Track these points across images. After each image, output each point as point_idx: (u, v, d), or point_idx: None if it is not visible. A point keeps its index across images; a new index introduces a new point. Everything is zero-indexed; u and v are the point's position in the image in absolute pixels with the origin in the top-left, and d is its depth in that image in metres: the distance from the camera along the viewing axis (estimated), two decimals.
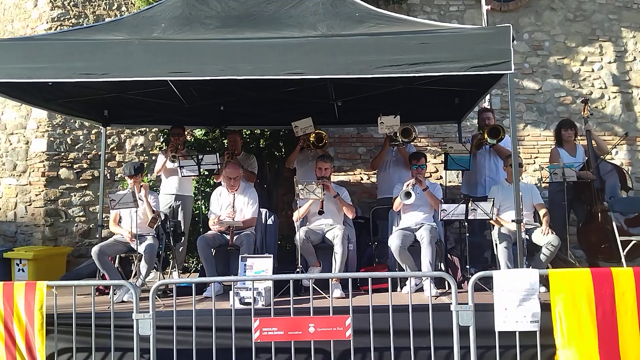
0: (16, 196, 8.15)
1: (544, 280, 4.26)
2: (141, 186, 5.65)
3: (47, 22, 8.14)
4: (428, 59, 4.34)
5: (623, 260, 5.70)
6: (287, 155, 7.25)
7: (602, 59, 8.20)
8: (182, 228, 6.51)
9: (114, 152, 8.24)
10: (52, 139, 8.03)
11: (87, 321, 4.17)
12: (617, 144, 7.76)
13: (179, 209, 6.61)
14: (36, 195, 8.01)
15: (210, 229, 5.79)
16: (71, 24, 8.09)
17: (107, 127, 6.97)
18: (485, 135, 6.23)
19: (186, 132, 8.17)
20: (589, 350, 3.84)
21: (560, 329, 3.91)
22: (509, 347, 4.03)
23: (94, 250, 5.32)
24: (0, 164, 8.31)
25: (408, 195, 5.48)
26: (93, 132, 8.13)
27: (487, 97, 7.63)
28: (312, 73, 4.45)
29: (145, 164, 7.20)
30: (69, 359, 4.29)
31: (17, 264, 7.20)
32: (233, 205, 5.83)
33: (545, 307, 3.94)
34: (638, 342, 3.84)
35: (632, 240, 5.79)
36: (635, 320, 3.86)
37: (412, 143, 6.71)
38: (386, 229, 6.04)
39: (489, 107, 7.82)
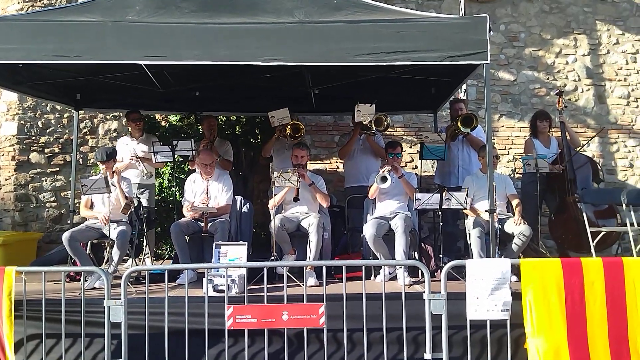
0: None
1: (516, 270, 4.32)
2: (114, 172, 5.56)
3: (19, 3, 7.94)
4: (405, 48, 4.35)
5: (593, 250, 5.81)
6: (263, 142, 7.21)
7: (576, 52, 8.29)
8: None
9: (86, 136, 8.10)
10: (22, 122, 7.86)
11: (57, 307, 4.12)
12: (591, 139, 7.86)
13: (142, 197, 6.52)
14: (6, 179, 7.84)
15: (184, 216, 5.74)
16: (43, 5, 7.90)
17: (80, 111, 6.84)
18: (459, 124, 6.27)
19: (160, 117, 8.12)
20: (558, 338, 3.90)
21: (530, 317, 3.97)
22: (480, 336, 4.09)
23: (65, 235, 5.24)
24: None
25: (384, 179, 5.47)
26: (65, 116, 7.97)
27: (463, 87, 7.68)
28: (288, 59, 4.43)
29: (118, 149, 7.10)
30: (38, 345, 4.23)
31: None
32: (207, 191, 5.78)
33: (516, 296, 3.99)
34: (606, 331, 3.92)
35: (601, 231, 5.90)
36: (604, 310, 3.93)
37: (384, 133, 6.73)
38: (358, 218, 6.06)
39: (463, 97, 7.88)
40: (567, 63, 8.28)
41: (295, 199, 5.63)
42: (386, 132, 6.85)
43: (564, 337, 3.90)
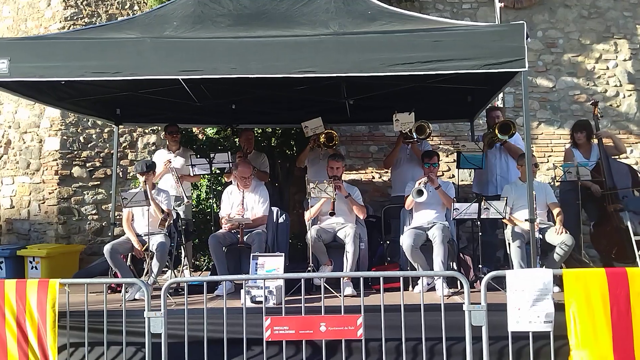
0: (30, 194, 8.21)
1: (558, 280, 4.22)
2: (152, 184, 5.64)
3: (60, 22, 8.19)
4: (441, 57, 4.32)
5: (638, 260, 5.63)
6: (299, 153, 7.24)
7: (617, 57, 8.11)
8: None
9: (126, 150, 8.28)
10: (65, 137, 8.08)
11: (99, 319, 4.19)
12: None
13: (179, 209, 6.58)
14: (49, 193, 8.06)
15: (222, 228, 5.79)
16: (84, 23, 8.13)
17: (120, 126, 6.98)
18: (496, 132, 6.19)
19: (197, 130, 8.23)
20: (603, 351, 3.80)
21: (575, 329, 3.88)
22: (522, 348, 4.00)
23: (106, 248, 5.34)
24: (14, 162, 8.37)
25: (420, 193, 5.44)
26: (106, 130, 8.17)
27: (500, 95, 7.57)
28: (323, 71, 4.44)
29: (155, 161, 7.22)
30: (78, 355, 4.31)
31: (31, 262, 7.25)
32: (243, 203, 5.82)
33: (559, 308, 3.90)
34: None
35: None
36: None
37: (425, 140, 6.67)
38: (398, 228, 6.01)
39: (501, 105, 7.77)
40: (607, 68, 8.11)
41: (332, 214, 5.61)
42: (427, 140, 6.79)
43: (609, 350, 3.80)
